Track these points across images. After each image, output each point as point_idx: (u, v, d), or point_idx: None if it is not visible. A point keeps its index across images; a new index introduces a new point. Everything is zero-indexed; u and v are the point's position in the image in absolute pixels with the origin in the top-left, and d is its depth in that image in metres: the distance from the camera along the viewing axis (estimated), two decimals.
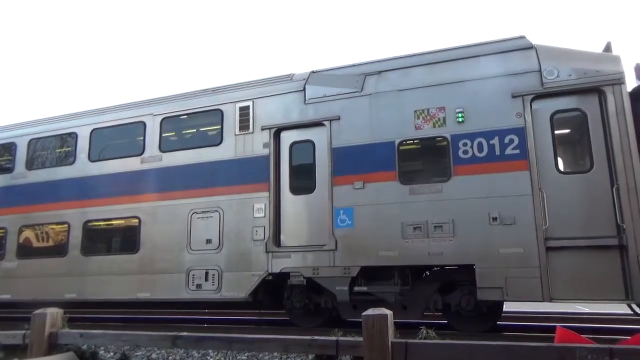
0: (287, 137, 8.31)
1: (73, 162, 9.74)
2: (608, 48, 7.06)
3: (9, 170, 10.42)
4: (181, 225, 8.46)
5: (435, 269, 7.42)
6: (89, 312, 9.81)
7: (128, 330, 5.01)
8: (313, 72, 8.44)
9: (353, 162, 7.61)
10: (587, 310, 10.63)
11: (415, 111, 7.42)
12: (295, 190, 8.07)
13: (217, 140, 8.68)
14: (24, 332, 4.99)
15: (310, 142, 8.12)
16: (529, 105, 6.82)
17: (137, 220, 8.79)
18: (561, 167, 6.99)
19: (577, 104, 6.80)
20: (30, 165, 10.23)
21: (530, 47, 7.09)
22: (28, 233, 9.85)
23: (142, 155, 9.13)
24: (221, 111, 8.79)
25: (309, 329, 7.63)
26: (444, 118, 7.25)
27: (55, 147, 10.19)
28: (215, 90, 9.14)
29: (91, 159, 9.61)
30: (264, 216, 7.98)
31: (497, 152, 6.85)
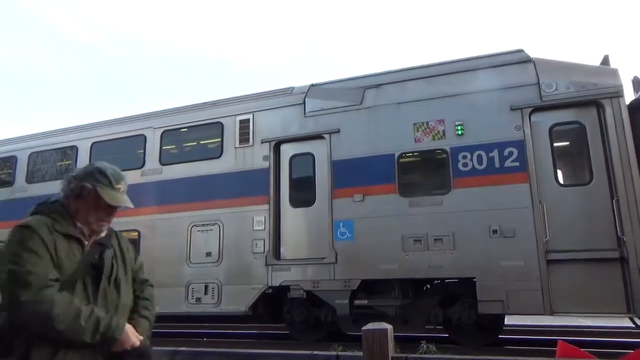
0: (287, 150, 8.32)
1: None
2: (606, 61, 7.10)
3: (9, 183, 10.43)
4: (181, 239, 8.44)
5: (435, 282, 7.38)
6: None
7: None
8: (313, 85, 8.49)
9: (353, 174, 7.62)
10: (589, 323, 10.57)
11: (414, 124, 7.45)
12: (295, 203, 8.07)
13: (217, 153, 8.70)
14: None
15: (310, 155, 8.14)
16: (528, 118, 6.85)
17: (136, 234, 8.77)
18: (561, 179, 7.00)
19: (576, 117, 6.82)
20: (30, 178, 10.24)
21: (529, 60, 7.14)
22: None
23: (143, 169, 9.15)
24: (221, 124, 8.82)
25: (309, 343, 7.58)
26: (444, 131, 7.28)
27: (56, 160, 10.20)
28: (215, 104, 9.19)
29: None
30: (264, 229, 7.96)
31: (497, 165, 6.86)
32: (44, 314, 1.68)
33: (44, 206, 2.01)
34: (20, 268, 1.72)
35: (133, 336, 1.88)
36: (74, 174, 2.05)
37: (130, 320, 2.04)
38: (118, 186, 2.02)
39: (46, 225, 1.86)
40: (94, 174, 2.00)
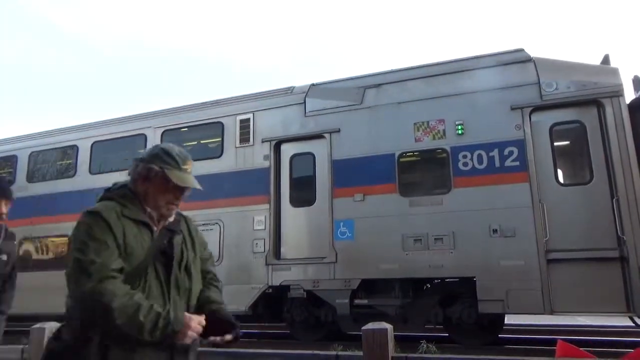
0: (288, 150, 8.32)
1: (74, 175, 9.76)
2: (606, 60, 7.10)
3: (10, 182, 10.43)
4: None
5: (435, 281, 7.39)
6: None
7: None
8: (313, 85, 8.49)
9: (353, 174, 7.62)
10: (589, 322, 10.57)
11: (415, 123, 7.45)
12: (295, 202, 8.07)
13: (217, 152, 8.71)
14: (22, 346, 4.95)
15: (311, 155, 8.14)
16: (528, 117, 6.85)
17: None
18: (561, 178, 7.00)
19: (576, 116, 6.82)
20: (31, 177, 10.25)
21: (529, 59, 7.13)
22: (28, 245, 9.83)
23: None
24: (222, 124, 8.82)
25: (309, 342, 7.58)
26: (444, 130, 7.28)
27: (56, 159, 10.21)
28: (216, 103, 9.19)
29: (92, 171, 9.62)
30: (264, 229, 7.97)
31: (497, 164, 6.86)
32: (103, 306, 1.62)
33: (112, 191, 1.95)
34: (84, 256, 1.68)
35: (195, 324, 1.78)
36: (140, 156, 1.99)
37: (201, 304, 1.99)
38: (185, 167, 1.96)
39: (115, 210, 1.81)
40: (161, 155, 1.93)
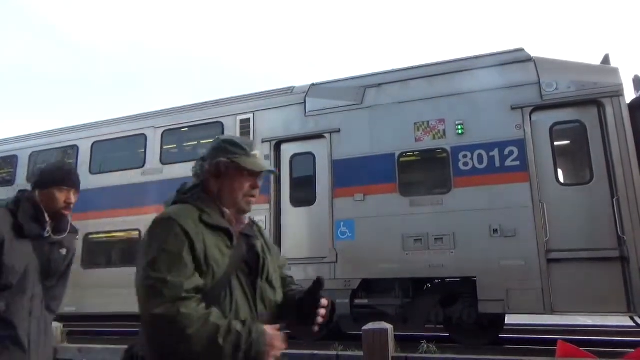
0: (288, 150, 8.32)
1: None
2: (606, 60, 7.10)
3: (10, 182, 10.45)
4: None
5: (436, 281, 7.39)
6: (88, 326, 9.75)
7: (128, 344, 4.96)
8: (313, 84, 8.48)
9: (353, 174, 7.61)
10: (589, 322, 10.57)
11: (415, 123, 7.44)
12: (295, 202, 8.07)
13: None
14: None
15: (311, 155, 8.13)
16: (529, 117, 6.84)
17: (137, 233, 8.78)
18: (561, 178, 7.00)
19: (576, 116, 6.82)
20: (31, 178, 10.25)
21: (529, 59, 7.13)
22: None
23: (143, 168, 9.15)
24: (222, 124, 8.82)
25: (309, 342, 7.58)
26: (444, 130, 7.27)
27: (57, 159, 10.21)
28: (216, 103, 9.20)
29: (92, 171, 9.63)
30: (265, 229, 7.95)
31: (497, 164, 6.86)
32: (178, 332, 1.41)
33: (185, 193, 1.75)
34: (154, 273, 1.46)
35: (278, 341, 1.56)
36: (202, 155, 1.83)
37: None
38: (254, 153, 1.82)
39: (192, 216, 1.61)
40: (226, 147, 1.78)
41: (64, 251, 2.62)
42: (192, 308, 1.45)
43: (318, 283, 1.76)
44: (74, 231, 2.83)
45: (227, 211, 1.74)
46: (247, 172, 1.76)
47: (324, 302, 1.75)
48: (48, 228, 2.48)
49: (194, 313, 1.44)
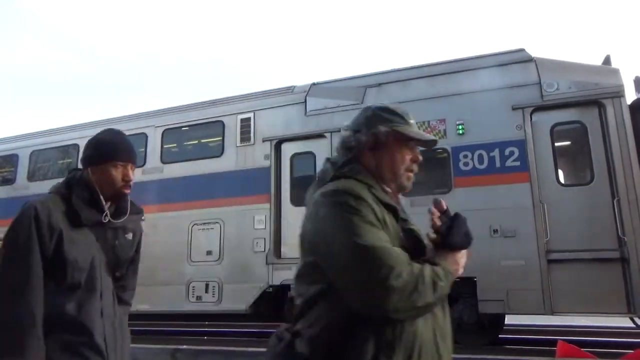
0: (288, 149, 8.32)
1: None
2: (607, 61, 7.09)
3: (11, 181, 10.45)
4: (182, 237, 8.44)
5: None
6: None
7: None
8: (314, 84, 8.48)
9: None
10: (589, 323, 10.57)
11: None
12: (296, 201, 8.06)
13: (218, 151, 8.71)
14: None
15: (311, 154, 8.13)
16: (529, 117, 6.84)
17: None
18: (562, 179, 6.99)
19: (577, 117, 6.81)
20: (31, 176, 10.26)
21: (530, 59, 7.12)
22: None
23: (144, 167, 9.16)
24: (222, 123, 8.82)
25: None
26: (445, 130, 7.27)
27: (57, 158, 10.22)
28: (216, 102, 9.19)
29: None
30: (265, 228, 7.97)
31: (498, 164, 6.85)
32: (408, 296, 1.28)
33: (344, 168, 1.56)
34: (360, 240, 1.31)
35: (462, 258, 1.45)
36: (350, 127, 1.66)
37: None
38: (412, 121, 1.65)
39: (363, 192, 1.44)
40: (382, 115, 1.62)
41: (129, 235, 2.36)
42: (405, 266, 1.32)
43: (436, 203, 1.54)
44: (138, 212, 2.50)
45: (388, 189, 1.58)
46: (411, 142, 1.60)
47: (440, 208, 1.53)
48: (107, 212, 2.15)
49: (415, 270, 1.32)
